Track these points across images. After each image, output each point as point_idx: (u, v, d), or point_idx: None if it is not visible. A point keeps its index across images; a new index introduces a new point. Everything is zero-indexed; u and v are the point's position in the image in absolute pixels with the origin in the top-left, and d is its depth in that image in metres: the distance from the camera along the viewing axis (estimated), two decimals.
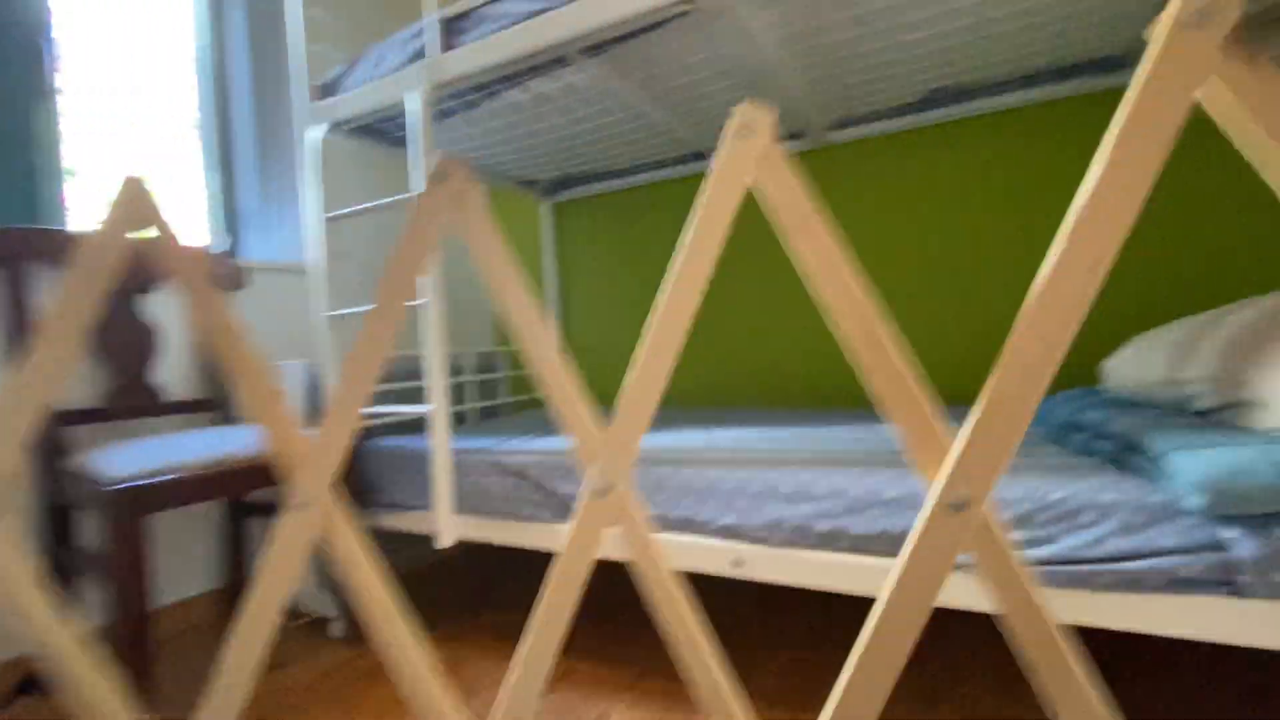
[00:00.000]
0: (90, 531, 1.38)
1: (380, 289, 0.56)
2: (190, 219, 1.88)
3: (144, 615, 1.05)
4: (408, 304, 0.56)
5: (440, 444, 1.30)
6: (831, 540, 0.95)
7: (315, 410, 1.57)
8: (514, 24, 1.23)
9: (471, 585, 1.76)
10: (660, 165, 2.07)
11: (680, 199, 2.10)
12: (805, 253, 0.48)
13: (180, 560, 1.55)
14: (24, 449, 0.55)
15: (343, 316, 1.49)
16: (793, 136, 1.86)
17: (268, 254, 1.96)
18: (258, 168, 1.98)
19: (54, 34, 1.57)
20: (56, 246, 1.31)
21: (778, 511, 0.99)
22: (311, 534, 0.57)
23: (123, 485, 1.05)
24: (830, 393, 1.91)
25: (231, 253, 1.96)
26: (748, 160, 0.49)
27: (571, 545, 0.56)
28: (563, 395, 0.56)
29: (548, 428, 1.65)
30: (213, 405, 1.53)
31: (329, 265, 1.51)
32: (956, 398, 1.70)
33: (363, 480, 1.49)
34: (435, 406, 1.30)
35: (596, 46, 1.26)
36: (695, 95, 1.54)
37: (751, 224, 1.97)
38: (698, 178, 2.07)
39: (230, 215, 1.97)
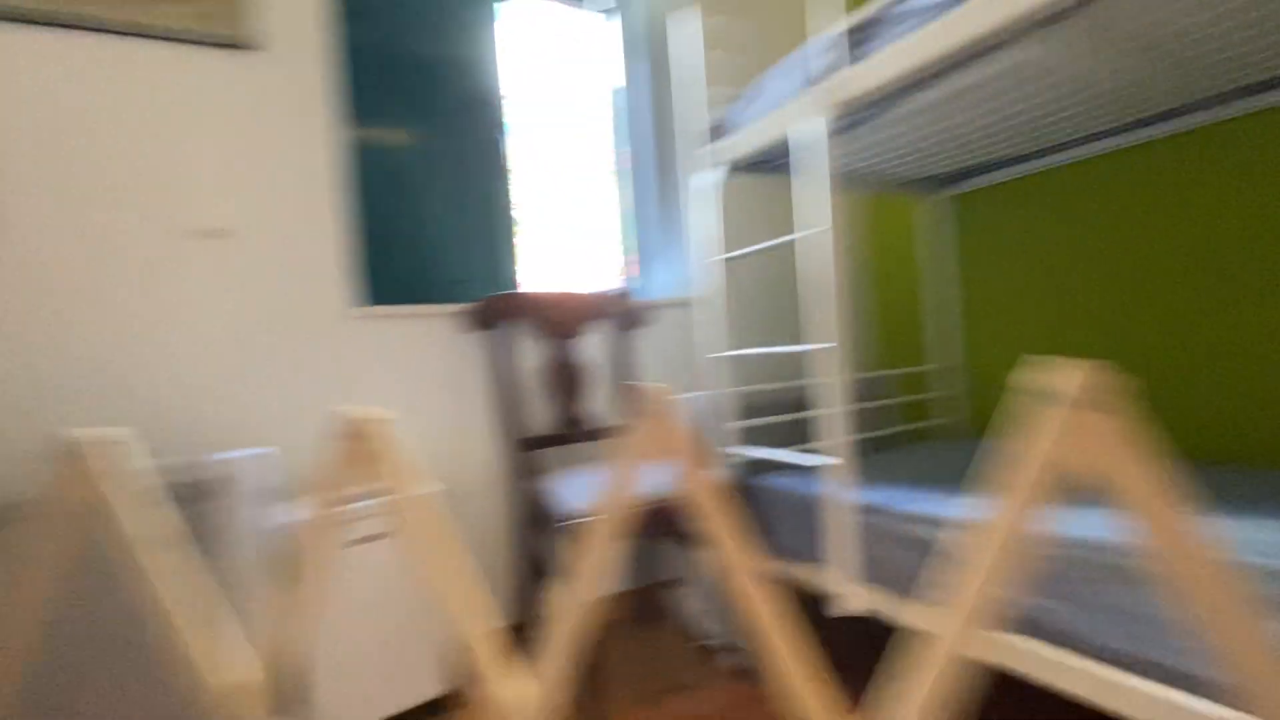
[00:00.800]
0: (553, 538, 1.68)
1: (990, 527, 0.44)
2: (610, 263, 2.17)
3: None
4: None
5: (841, 505, 1.19)
6: None
7: (708, 444, 1.64)
8: (935, 18, 1.03)
9: (860, 646, 1.62)
10: (1094, 138, 1.59)
11: (1122, 174, 1.58)
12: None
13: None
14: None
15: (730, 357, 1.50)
16: None
17: (665, 290, 2.14)
18: (658, 210, 2.17)
19: (505, 124, 1.95)
20: (522, 307, 1.62)
21: None
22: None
23: (575, 520, 1.21)
24: None
25: (638, 291, 2.19)
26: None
27: None
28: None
29: (957, 478, 1.40)
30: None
31: (719, 304, 1.54)
32: None
33: (753, 520, 1.49)
34: (838, 461, 1.20)
35: (1052, 17, 0.97)
36: (1185, 41, 1.09)
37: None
38: (1159, 144, 1.52)
39: (642, 256, 2.20)
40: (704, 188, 1.56)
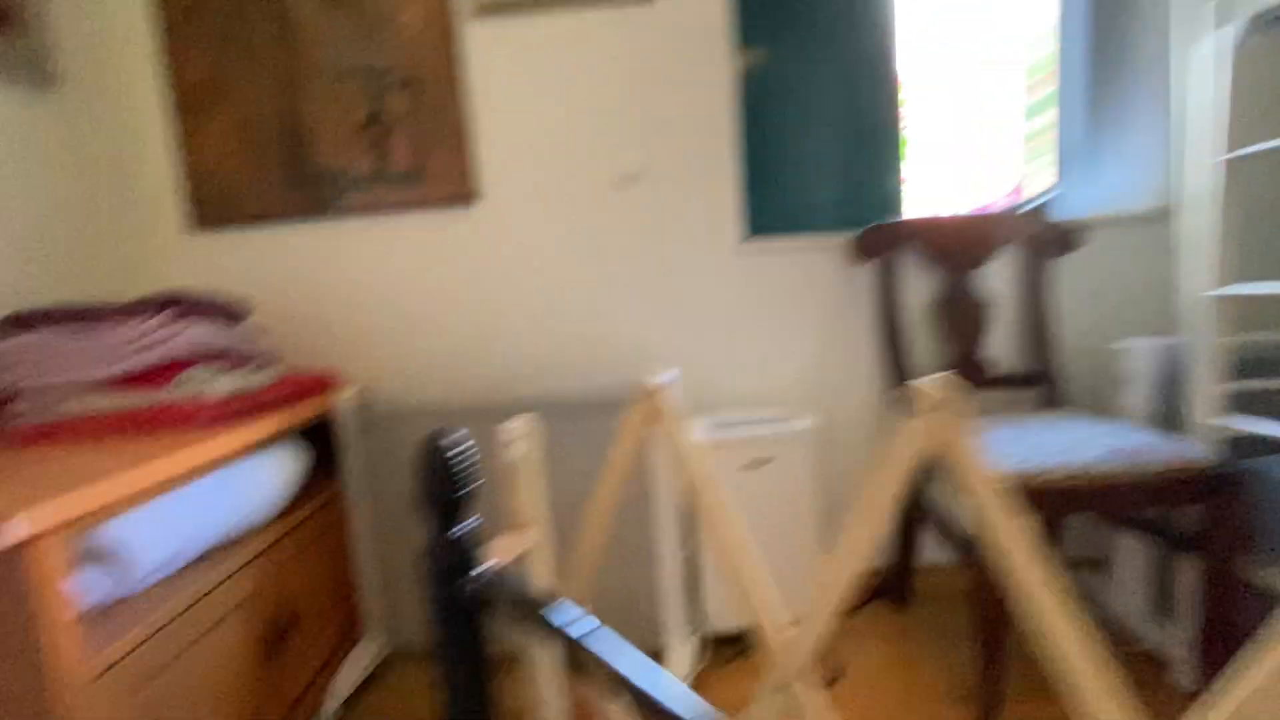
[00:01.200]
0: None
1: None
2: (1015, 173, 1.81)
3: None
4: None
5: None
6: None
7: (1171, 407, 1.26)
8: None
9: None
10: None
11: None
12: None
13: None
14: None
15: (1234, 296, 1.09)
16: None
17: (1094, 198, 1.69)
18: (1087, 95, 1.70)
19: (895, 28, 1.71)
20: (911, 235, 1.47)
21: None
22: None
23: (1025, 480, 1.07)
24: None
25: (1058, 206, 1.78)
26: None
27: None
28: None
29: None
30: (1039, 380, 1.45)
31: (1216, 221, 1.13)
32: None
33: (1248, 514, 1.11)
34: None
35: None
36: None
37: None
38: None
39: (1063, 161, 1.77)
40: (1202, 58, 1.13)
